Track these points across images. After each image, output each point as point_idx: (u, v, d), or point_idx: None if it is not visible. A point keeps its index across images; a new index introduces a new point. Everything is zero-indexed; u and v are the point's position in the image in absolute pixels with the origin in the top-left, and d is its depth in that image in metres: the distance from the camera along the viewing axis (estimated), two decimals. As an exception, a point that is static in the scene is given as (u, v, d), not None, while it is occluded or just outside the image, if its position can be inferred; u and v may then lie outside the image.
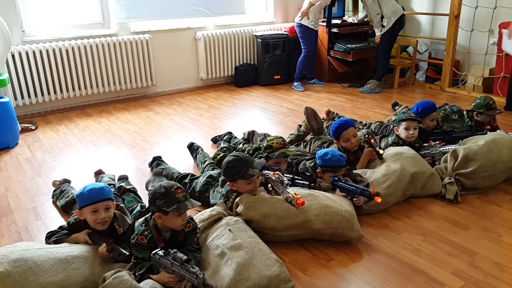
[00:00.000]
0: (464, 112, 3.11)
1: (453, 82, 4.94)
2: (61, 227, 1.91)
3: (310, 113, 3.17)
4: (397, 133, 2.74)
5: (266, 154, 2.41)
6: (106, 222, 1.78)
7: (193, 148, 2.98)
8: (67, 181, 2.57)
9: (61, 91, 4.25)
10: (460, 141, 2.66)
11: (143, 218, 1.80)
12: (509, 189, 2.50)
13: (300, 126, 3.27)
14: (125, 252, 1.71)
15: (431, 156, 2.63)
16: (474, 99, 3.10)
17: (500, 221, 2.17)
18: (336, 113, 3.69)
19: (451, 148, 2.59)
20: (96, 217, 1.76)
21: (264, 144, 2.45)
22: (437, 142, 2.70)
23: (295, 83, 5.18)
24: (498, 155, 2.47)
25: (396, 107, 3.86)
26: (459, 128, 2.94)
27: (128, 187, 2.38)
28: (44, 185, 2.68)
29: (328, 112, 3.67)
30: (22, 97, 4.06)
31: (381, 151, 2.48)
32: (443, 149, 2.63)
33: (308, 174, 2.35)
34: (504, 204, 2.34)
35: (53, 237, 1.85)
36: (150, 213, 1.75)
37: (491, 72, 4.62)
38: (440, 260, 1.87)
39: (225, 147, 2.98)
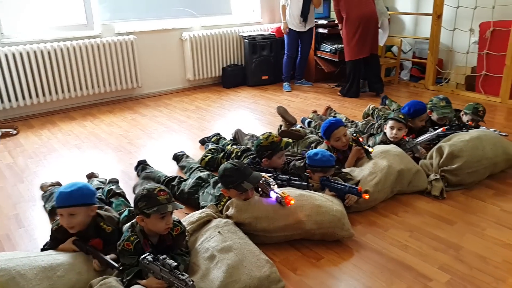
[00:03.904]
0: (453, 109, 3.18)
1: (436, 81, 5.02)
2: (47, 242, 1.87)
3: (283, 110, 3.37)
4: (385, 131, 2.79)
5: (270, 152, 2.39)
6: (73, 227, 1.74)
7: (178, 158, 2.92)
8: (59, 184, 2.52)
9: (44, 94, 4.17)
10: (431, 129, 2.76)
11: (129, 223, 1.77)
12: (493, 184, 2.55)
13: (281, 126, 3.32)
14: (114, 264, 1.67)
15: (410, 151, 2.68)
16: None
17: (484, 216, 2.21)
18: (334, 111, 3.73)
19: (425, 137, 2.69)
20: (62, 221, 1.74)
21: (264, 143, 2.40)
22: (410, 136, 2.76)
23: (283, 83, 5.20)
24: (483, 151, 2.52)
25: (387, 101, 3.90)
26: (449, 113, 2.98)
27: (118, 191, 2.35)
28: (27, 191, 2.63)
29: (327, 108, 3.72)
30: (2, 101, 3.97)
31: (370, 149, 2.50)
32: (417, 141, 2.71)
33: (304, 175, 2.35)
34: (488, 199, 2.39)
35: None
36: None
37: (473, 70, 4.71)
38: (427, 255, 1.90)
39: (213, 148, 2.96)
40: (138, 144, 3.41)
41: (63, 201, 1.72)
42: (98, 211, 1.85)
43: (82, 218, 1.74)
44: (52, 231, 1.82)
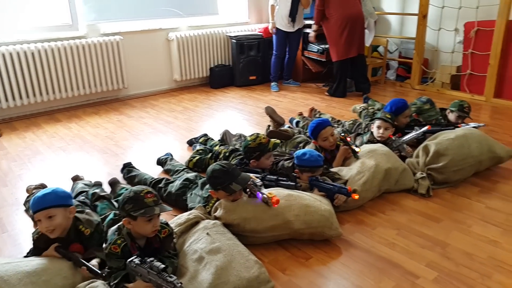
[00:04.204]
0: (438, 109, 3.24)
1: (422, 80, 5.08)
2: (31, 250, 1.84)
3: (271, 110, 3.37)
4: (372, 131, 2.81)
5: (258, 153, 2.38)
6: (54, 230, 1.70)
7: (161, 162, 2.89)
8: (43, 186, 2.47)
9: (28, 96, 4.09)
10: (416, 128, 2.80)
11: (116, 226, 1.74)
12: (478, 182, 2.59)
13: (269, 126, 3.32)
14: (97, 271, 1.65)
15: (396, 150, 2.70)
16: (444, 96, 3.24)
17: (470, 213, 2.24)
18: (319, 111, 3.74)
19: (411, 136, 2.74)
20: (40, 226, 1.70)
21: (252, 145, 2.39)
22: (397, 135, 2.80)
23: (271, 83, 5.20)
24: (468, 150, 2.55)
25: (369, 102, 3.94)
26: (434, 115, 3.04)
27: (102, 194, 2.31)
28: (10, 195, 2.57)
29: (312, 110, 3.72)
30: (-14, 103, 3.90)
31: (357, 149, 2.51)
32: (404, 139, 2.75)
33: (292, 175, 2.36)
34: (473, 196, 2.42)
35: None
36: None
37: (458, 69, 4.78)
38: (414, 253, 1.91)
39: (201, 149, 2.95)
40: (125, 146, 3.37)
41: (38, 205, 1.69)
42: (77, 214, 1.82)
43: (61, 220, 1.70)
44: (33, 240, 1.79)
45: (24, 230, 2.20)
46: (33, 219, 2.22)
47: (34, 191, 2.42)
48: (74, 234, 1.77)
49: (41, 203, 1.69)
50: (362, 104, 3.91)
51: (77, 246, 1.76)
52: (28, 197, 2.40)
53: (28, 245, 1.90)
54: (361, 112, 3.68)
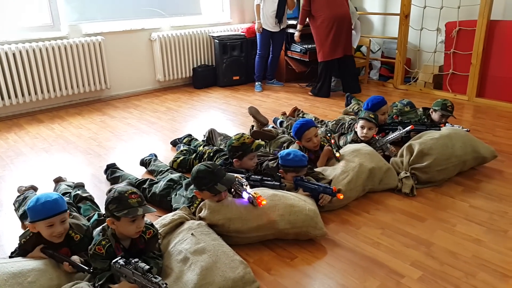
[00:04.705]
0: (421, 109, 3.28)
1: (405, 80, 5.14)
2: (16, 249, 1.80)
3: (255, 111, 3.38)
4: (356, 130, 2.83)
5: (240, 152, 2.37)
6: (63, 234, 1.70)
7: (145, 163, 2.85)
8: (33, 188, 2.43)
9: (9, 97, 4.00)
10: (400, 127, 2.81)
11: (101, 227, 1.73)
12: (461, 181, 2.62)
13: (253, 126, 3.31)
14: (85, 267, 1.64)
15: (380, 149, 2.72)
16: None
17: (454, 212, 2.27)
18: (302, 111, 3.74)
19: (394, 135, 2.75)
20: (52, 230, 1.67)
21: (235, 144, 2.39)
22: (380, 134, 2.83)
23: (255, 83, 5.19)
24: (452, 149, 2.57)
25: (352, 101, 3.96)
26: (414, 118, 3.10)
27: (84, 195, 2.28)
28: (-9, 197, 2.51)
29: (295, 110, 3.72)
30: (-36, 104, 3.80)
31: (337, 154, 2.51)
32: (387, 139, 2.76)
33: (277, 175, 2.35)
34: (457, 195, 2.45)
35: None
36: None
37: (440, 69, 4.85)
38: (399, 252, 1.93)
39: (185, 150, 2.92)
40: (108, 147, 3.32)
41: (55, 209, 1.66)
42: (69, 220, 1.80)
43: (67, 224, 1.72)
44: (20, 244, 1.75)
45: (6, 231, 2.15)
46: (22, 220, 2.17)
47: (25, 192, 2.38)
48: (65, 239, 1.74)
49: (56, 208, 1.67)
50: (350, 104, 3.92)
51: (65, 250, 1.74)
52: (18, 196, 2.36)
53: (11, 246, 1.86)
54: (357, 111, 3.65)
